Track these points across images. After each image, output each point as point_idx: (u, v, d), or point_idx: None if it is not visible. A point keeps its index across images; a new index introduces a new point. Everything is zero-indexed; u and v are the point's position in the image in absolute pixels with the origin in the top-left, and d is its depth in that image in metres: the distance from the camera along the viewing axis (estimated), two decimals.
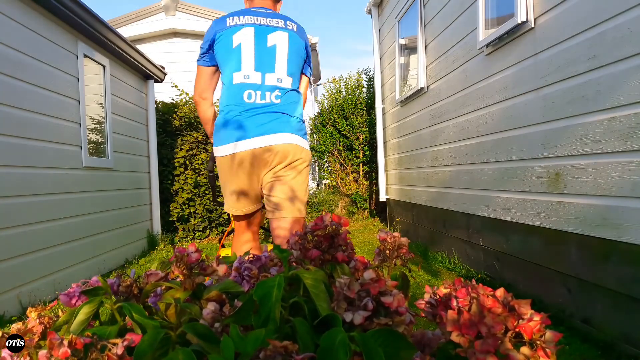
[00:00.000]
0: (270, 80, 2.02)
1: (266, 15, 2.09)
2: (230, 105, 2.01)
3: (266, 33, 2.04)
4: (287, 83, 2.06)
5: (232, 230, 2.48)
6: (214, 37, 2.04)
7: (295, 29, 2.12)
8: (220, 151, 2.03)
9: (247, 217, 2.17)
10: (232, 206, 2.11)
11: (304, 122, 2.16)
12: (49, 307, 0.61)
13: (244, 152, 1.96)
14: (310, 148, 2.25)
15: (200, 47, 2.10)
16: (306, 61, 2.19)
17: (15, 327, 0.59)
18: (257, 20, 2.06)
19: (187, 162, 6.01)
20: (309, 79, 2.25)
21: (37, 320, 0.59)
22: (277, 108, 2.01)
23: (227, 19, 2.05)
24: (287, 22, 2.12)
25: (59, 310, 0.65)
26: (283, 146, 1.98)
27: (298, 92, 2.13)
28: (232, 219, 2.36)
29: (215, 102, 2.58)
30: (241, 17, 2.05)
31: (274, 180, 2.01)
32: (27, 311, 0.61)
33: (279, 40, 2.06)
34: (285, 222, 2.02)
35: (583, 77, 2.22)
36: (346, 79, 7.79)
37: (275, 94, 2.02)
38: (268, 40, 2.04)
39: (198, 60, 2.11)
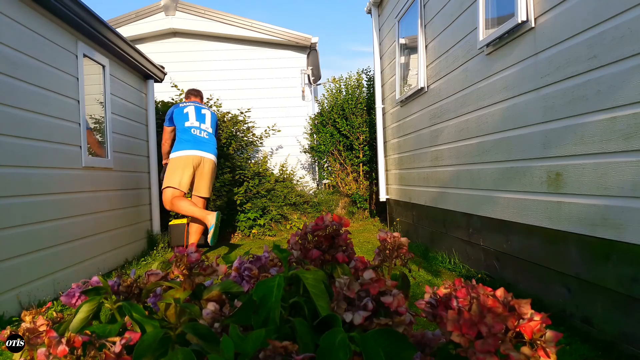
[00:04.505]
0: (204, 127, 4.68)
1: (198, 103, 4.86)
2: (184, 135, 4.61)
3: (200, 109, 4.76)
4: (211, 131, 4.75)
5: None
6: (173, 111, 4.70)
7: (213, 111, 4.89)
8: (178, 154, 4.52)
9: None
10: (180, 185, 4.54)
11: (217, 147, 4.84)
12: (44, 309, 0.61)
13: (192, 156, 4.53)
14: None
15: (166, 117, 4.73)
16: (218, 126, 5.14)
17: (24, 326, 0.58)
18: (194, 104, 4.80)
19: None
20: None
21: (43, 320, 0.59)
22: (208, 140, 4.68)
23: (180, 104, 4.75)
24: (208, 107, 5.22)
25: (53, 312, 0.65)
26: (209, 160, 4.66)
27: (214, 136, 4.80)
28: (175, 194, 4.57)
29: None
30: (187, 102, 4.83)
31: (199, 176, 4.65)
32: (22, 314, 0.61)
33: (206, 112, 4.77)
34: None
35: (583, 77, 2.22)
36: (346, 78, 7.78)
37: (206, 133, 4.68)
38: (201, 111, 4.75)
39: (165, 123, 4.79)
